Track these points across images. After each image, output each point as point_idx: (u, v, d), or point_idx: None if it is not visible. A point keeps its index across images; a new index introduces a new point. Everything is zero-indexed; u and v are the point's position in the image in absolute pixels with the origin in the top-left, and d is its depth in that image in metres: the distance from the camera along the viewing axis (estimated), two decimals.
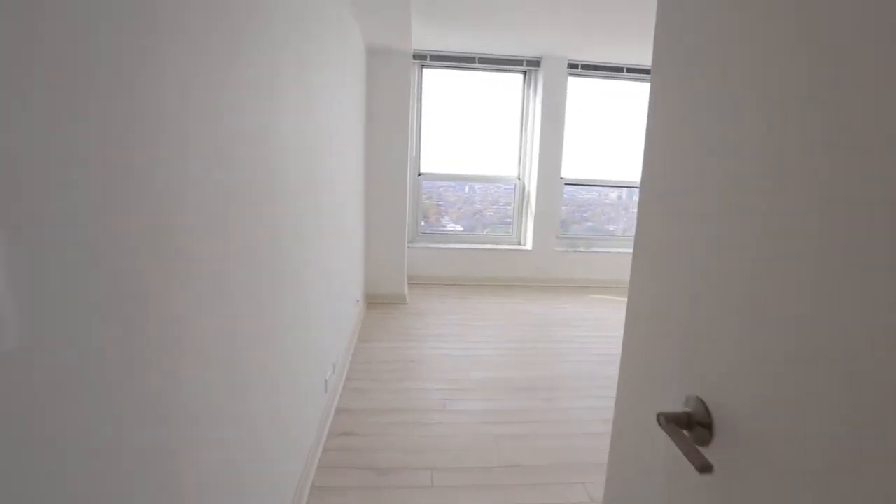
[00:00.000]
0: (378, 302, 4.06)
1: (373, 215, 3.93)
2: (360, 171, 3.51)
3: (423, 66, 4.61)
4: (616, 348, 2.86)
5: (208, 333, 0.96)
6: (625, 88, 4.94)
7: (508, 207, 5.11)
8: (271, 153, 1.36)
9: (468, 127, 4.88)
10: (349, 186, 3.01)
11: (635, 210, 0.92)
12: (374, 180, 3.88)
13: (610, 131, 5.06)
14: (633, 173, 5.14)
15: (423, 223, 5.01)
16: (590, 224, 5.38)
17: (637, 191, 0.92)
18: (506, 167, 5.01)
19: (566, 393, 2.67)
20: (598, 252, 5.00)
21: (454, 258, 4.79)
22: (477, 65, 4.52)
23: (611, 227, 5.39)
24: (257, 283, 1.27)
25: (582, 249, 5.02)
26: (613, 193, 5.39)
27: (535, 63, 4.57)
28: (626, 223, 5.38)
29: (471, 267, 4.83)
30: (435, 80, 4.72)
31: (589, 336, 3.56)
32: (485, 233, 5.15)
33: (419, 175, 4.83)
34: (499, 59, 4.51)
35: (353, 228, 3.23)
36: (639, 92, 4.98)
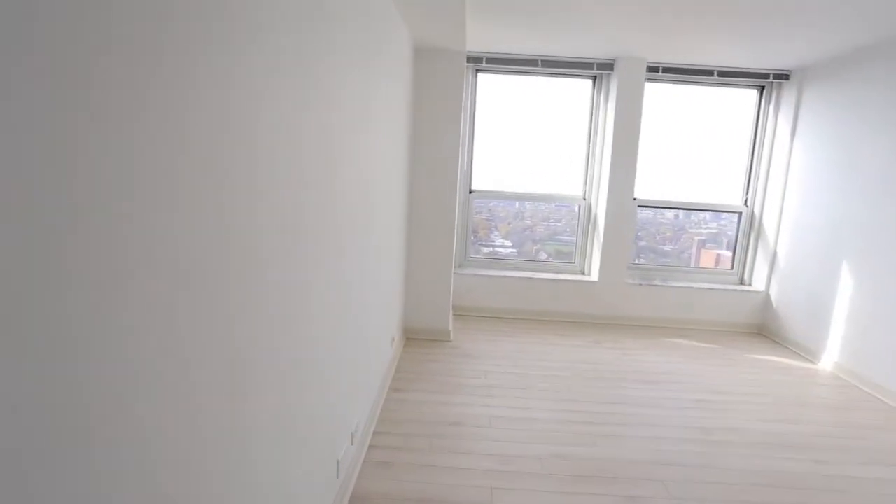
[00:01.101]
0: (418, 337, 3.53)
1: (416, 237, 3.42)
2: (404, 186, 3.02)
3: (477, 70, 4.11)
4: (714, 419, 2.15)
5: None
6: (713, 95, 4.22)
7: (568, 235, 4.47)
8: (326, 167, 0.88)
9: (528, 140, 4.31)
10: (393, 205, 2.52)
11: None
12: (420, 197, 3.38)
13: (693, 145, 4.34)
14: (720, 194, 4.38)
15: (472, 249, 4.46)
16: (665, 251, 4.63)
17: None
18: (570, 186, 4.39)
19: (655, 489, 2.00)
20: (674, 287, 4.26)
21: (507, 287, 4.20)
22: (539, 68, 3.96)
23: (683, 255, 4.61)
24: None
25: (658, 283, 4.29)
26: (694, 217, 4.62)
27: (608, 66, 3.95)
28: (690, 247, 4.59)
29: (526, 298, 4.22)
30: (491, 85, 4.21)
31: (674, 399, 2.86)
32: (543, 259, 4.53)
33: (470, 192, 4.30)
34: (565, 62, 3.93)
35: (395, 253, 2.73)
36: (731, 99, 4.25)
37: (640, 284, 4.26)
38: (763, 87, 4.16)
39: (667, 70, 3.95)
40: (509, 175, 4.35)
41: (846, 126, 3.47)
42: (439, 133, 3.31)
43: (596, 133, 4.20)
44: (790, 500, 2.02)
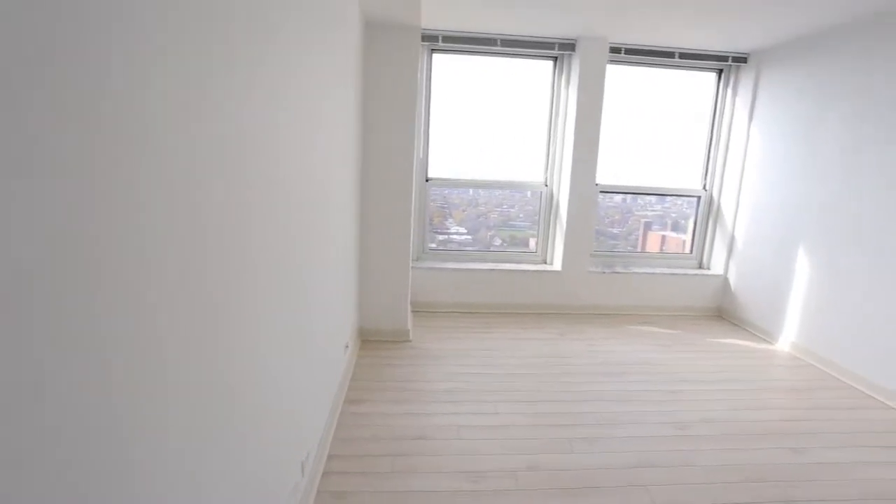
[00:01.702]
0: (375, 339, 3.27)
1: (371, 231, 3.14)
2: (356, 176, 2.73)
3: (432, 49, 3.83)
4: (687, 411, 2.01)
5: None
6: (675, 78, 4.14)
7: (521, 220, 4.31)
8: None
9: (487, 125, 4.09)
10: (342, 199, 2.22)
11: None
12: (373, 187, 3.09)
13: (653, 129, 4.26)
14: (681, 178, 4.34)
15: (429, 240, 4.22)
16: (614, 234, 4.57)
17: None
18: (531, 172, 4.21)
19: (639, 498, 1.86)
20: (636, 273, 4.19)
21: (468, 280, 4.00)
22: (498, 48, 3.73)
23: (631, 237, 4.58)
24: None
25: (620, 270, 4.22)
26: (641, 200, 4.57)
27: (570, 46, 3.77)
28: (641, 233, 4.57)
29: (488, 291, 4.03)
30: (447, 67, 3.94)
31: (646, 391, 2.75)
32: (498, 244, 4.35)
33: (427, 181, 4.04)
34: (525, 41, 3.72)
35: (346, 251, 2.45)
36: (692, 82, 4.19)
37: (603, 272, 4.17)
38: (721, 70, 4.12)
39: (629, 51, 3.82)
40: (468, 162, 4.13)
41: (802, 110, 3.46)
42: (393, 118, 3.02)
43: (557, 117, 4.03)
44: (773, 493, 1.94)
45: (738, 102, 4.06)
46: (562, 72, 3.95)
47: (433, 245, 4.28)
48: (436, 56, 3.88)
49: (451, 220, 4.40)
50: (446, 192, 4.30)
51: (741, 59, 3.94)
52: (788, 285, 3.56)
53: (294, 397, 1.49)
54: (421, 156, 3.94)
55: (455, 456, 2.04)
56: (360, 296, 3.20)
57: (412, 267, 3.82)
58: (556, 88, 4.00)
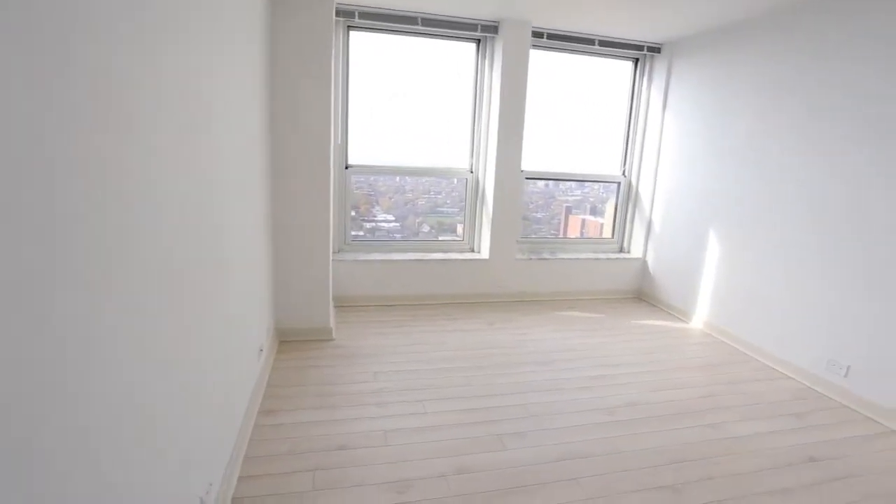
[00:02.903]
0: (294, 339, 3.02)
1: (285, 223, 2.87)
2: (261, 167, 2.45)
3: (349, 26, 3.57)
4: (614, 396, 1.97)
5: None
6: (595, 65, 4.19)
7: (449, 207, 4.22)
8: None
9: (409, 109, 3.90)
10: (247, 190, 1.96)
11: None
12: (286, 177, 2.81)
13: (575, 115, 4.30)
14: (602, 165, 4.43)
15: (354, 228, 3.99)
16: (538, 218, 4.61)
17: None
18: (456, 158, 4.10)
19: (571, 492, 1.82)
20: (562, 259, 4.24)
21: (394, 272, 3.83)
22: (420, 27, 3.55)
23: (553, 222, 4.66)
24: None
25: (546, 257, 4.24)
26: (562, 186, 4.64)
27: (493, 28, 3.67)
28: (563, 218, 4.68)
29: (415, 282, 3.89)
30: (366, 46, 3.70)
31: (574, 379, 2.76)
32: (426, 231, 4.23)
33: (347, 168, 3.80)
34: (447, 21, 3.57)
35: (255, 245, 2.18)
36: (611, 70, 4.26)
37: (530, 259, 4.17)
38: (638, 60, 4.22)
39: (551, 36, 3.79)
40: (390, 148, 3.93)
41: (711, 99, 3.62)
42: (307, 101, 2.76)
43: (481, 102, 3.94)
44: (695, 472, 1.99)
45: (653, 91, 4.19)
46: (485, 55, 3.85)
47: (360, 233, 4.06)
48: (353, 34, 3.62)
49: (378, 207, 4.21)
50: (372, 179, 4.09)
51: (655, 50, 4.06)
52: (700, 267, 3.75)
53: (185, 425, 1.26)
54: (339, 141, 3.68)
55: (381, 465, 1.89)
56: (275, 294, 2.93)
57: (333, 260, 3.59)
58: (479, 72, 3.90)
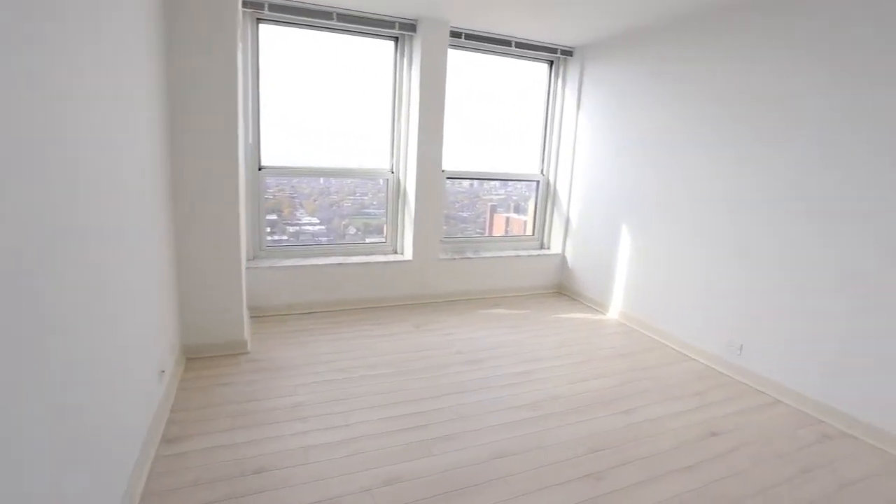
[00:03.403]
0: (204, 356, 2.79)
1: (189, 231, 2.63)
2: (157, 170, 2.22)
3: (258, 18, 3.36)
4: (538, 391, 2.02)
5: None
6: (513, 66, 4.28)
7: (375, 208, 4.13)
8: None
9: (328, 108, 3.75)
10: (137, 197, 1.74)
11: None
12: (188, 180, 2.58)
13: (494, 115, 4.36)
14: (521, 164, 4.54)
15: (276, 230, 3.78)
16: (464, 217, 4.66)
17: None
18: (377, 158, 4.01)
19: (499, 491, 1.82)
20: (485, 257, 4.30)
21: (315, 277, 3.67)
22: (335, 23, 3.42)
23: (479, 220, 4.74)
24: None
25: (470, 256, 4.28)
26: (487, 185, 4.73)
27: (411, 27, 3.62)
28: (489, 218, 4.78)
29: (337, 287, 3.75)
30: (279, 41, 3.50)
31: (500, 376, 2.79)
32: (353, 233, 4.10)
33: (260, 169, 3.58)
34: (364, 18, 3.47)
35: (150, 260, 1.96)
36: (528, 71, 4.37)
37: (454, 259, 4.18)
38: (552, 62, 4.37)
39: (469, 36, 3.81)
40: (310, 149, 3.76)
41: (618, 100, 3.83)
42: (210, 97, 2.54)
43: (401, 101, 3.88)
44: (612, 459, 2.07)
45: (567, 92, 4.36)
46: (403, 54, 3.79)
47: (284, 238, 3.85)
48: (263, 27, 3.41)
49: (302, 210, 4.02)
50: (295, 181, 3.90)
51: (568, 53, 4.22)
52: (614, 261, 3.96)
53: (58, 484, 1.09)
54: (251, 141, 3.46)
55: (302, 485, 1.78)
56: (181, 308, 2.68)
57: (248, 267, 3.37)
58: (398, 71, 3.83)
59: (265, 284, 3.51)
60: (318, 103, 3.71)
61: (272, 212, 3.84)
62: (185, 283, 2.67)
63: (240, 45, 2.73)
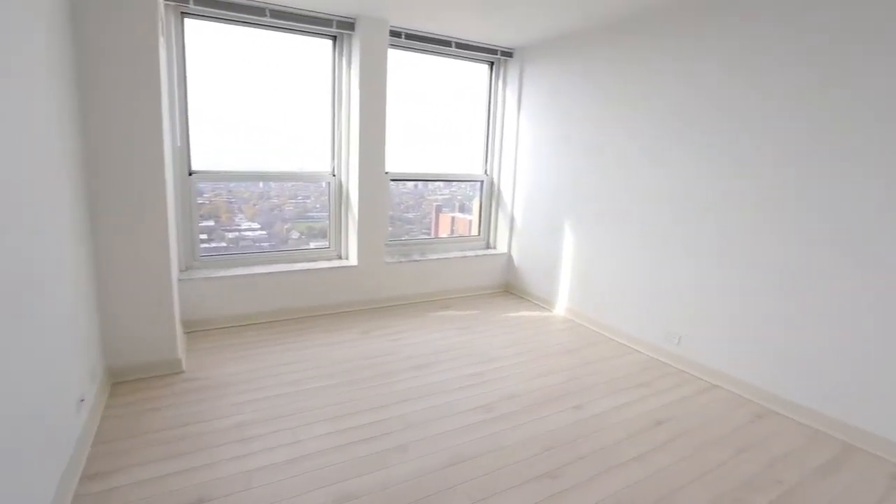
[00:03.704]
0: (131, 379, 2.56)
1: (112, 246, 2.40)
2: (66, 178, 2.01)
3: (183, 13, 3.14)
4: (492, 392, 2.04)
5: None
6: (454, 67, 4.27)
7: (318, 211, 3.99)
8: None
9: (265, 109, 3.57)
10: (31, 209, 1.55)
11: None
12: (105, 189, 2.35)
13: (437, 116, 4.34)
14: (464, 164, 4.55)
15: (205, 241, 3.54)
16: (409, 218, 4.62)
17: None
18: (317, 161, 3.87)
19: (459, 501, 1.78)
20: (432, 259, 4.27)
21: (255, 287, 3.48)
22: (268, 19, 3.26)
23: (425, 220, 4.72)
24: None
25: (417, 258, 4.23)
26: (431, 185, 4.71)
27: (349, 25, 3.52)
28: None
29: (280, 296, 3.59)
30: (206, 37, 3.29)
31: (453, 379, 2.76)
32: (295, 238, 3.94)
33: (191, 174, 3.35)
34: (300, 15, 3.33)
35: (60, 278, 1.75)
36: (470, 72, 4.37)
37: (400, 262, 4.12)
38: (493, 63, 4.40)
39: (409, 36, 3.76)
40: (245, 151, 3.56)
41: (557, 101, 3.92)
42: (129, 98, 2.33)
43: (341, 102, 3.76)
44: (566, 455, 2.09)
45: (508, 93, 4.41)
46: (342, 53, 3.68)
47: (223, 244, 3.63)
48: (189, 22, 3.19)
49: (241, 215, 3.80)
50: (232, 185, 3.68)
51: (508, 54, 4.27)
52: (558, 258, 4.05)
53: None
54: (179, 144, 3.23)
55: None
56: (104, 328, 2.45)
57: (180, 279, 3.15)
58: (337, 70, 3.72)
59: (201, 297, 3.29)
60: (254, 104, 3.52)
61: (208, 217, 3.61)
62: (108, 300, 2.44)
63: (162, 41, 2.54)
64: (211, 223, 3.66)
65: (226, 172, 3.51)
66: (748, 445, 2.25)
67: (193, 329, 3.27)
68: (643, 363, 3.13)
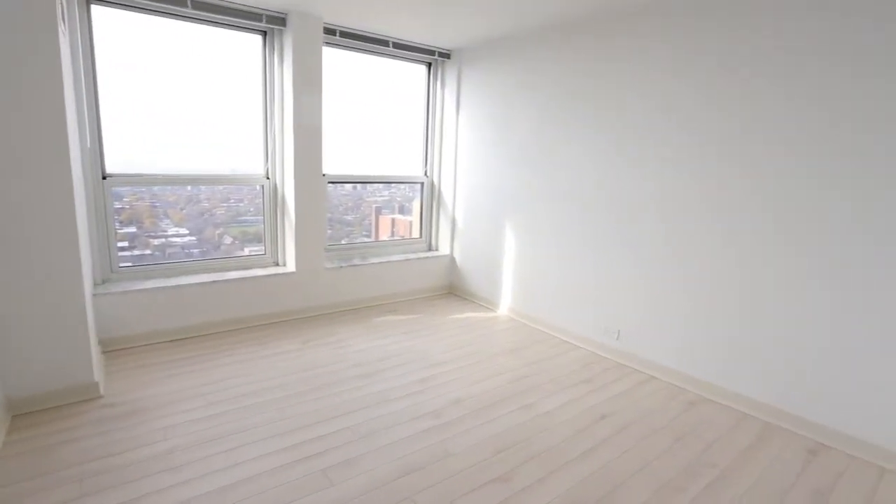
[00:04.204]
0: (38, 409, 2.28)
1: (6, 261, 2.12)
2: None
3: (88, 0, 2.85)
4: (440, 397, 2.02)
5: None
6: (393, 67, 4.19)
7: (252, 215, 3.78)
8: None
9: (189, 107, 3.32)
10: None
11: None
12: (4, 197, 2.07)
13: (375, 117, 4.25)
14: (404, 166, 4.49)
15: (127, 248, 3.24)
16: (349, 220, 4.51)
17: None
18: (250, 163, 3.66)
19: None
20: (374, 263, 4.17)
21: (183, 299, 3.23)
22: (190, 10, 3.03)
23: (364, 223, 4.63)
24: None
25: (358, 262, 4.11)
26: (370, 187, 4.62)
27: (280, 20, 3.35)
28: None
29: (213, 307, 3.35)
30: (121, 28, 3.00)
31: (400, 387, 2.69)
32: (229, 242, 3.70)
33: (105, 178, 3.05)
34: (225, 7, 3.12)
35: None
36: (409, 72, 4.32)
37: (341, 267, 3.99)
38: (431, 64, 4.37)
39: (344, 34, 3.64)
40: (169, 153, 3.29)
41: (495, 104, 3.95)
42: (24, 94, 2.07)
43: (273, 101, 3.58)
44: (519, 456, 2.09)
45: (447, 95, 4.40)
46: (273, 49, 3.50)
47: (147, 251, 3.33)
48: (97, 9, 2.90)
49: (167, 220, 3.51)
50: (156, 189, 3.38)
51: (446, 55, 4.25)
52: (500, 259, 4.08)
53: None
54: (89, 146, 2.93)
55: None
56: (2, 355, 2.16)
57: (95, 294, 2.86)
58: (269, 68, 3.53)
59: (121, 312, 3.00)
60: (179, 103, 3.26)
61: (130, 223, 3.31)
62: (6, 323, 2.15)
63: (63, 29, 2.28)
64: (133, 230, 3.35)
65: (148, 176, 3.23)
66: (684, 433, 2.37)
67: (113, 348, 2.98)
68: (586, 359, 3.22)
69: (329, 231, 4.15)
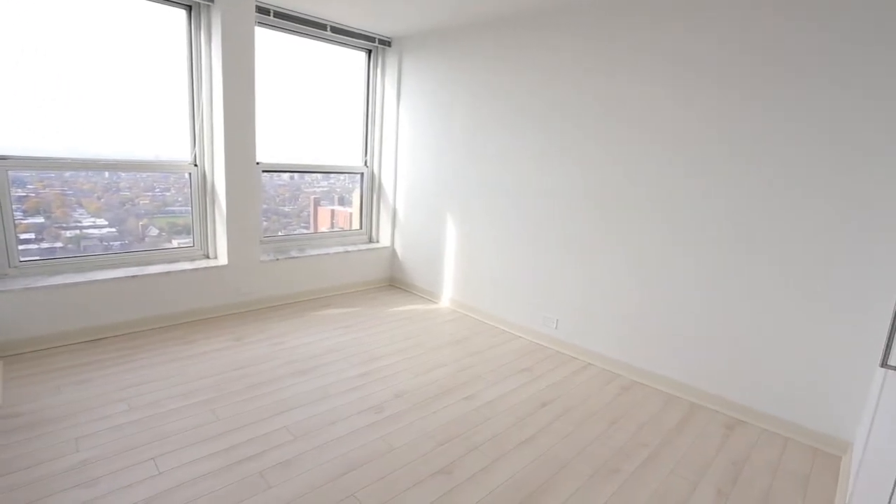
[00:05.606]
0: None
1: None
2: None
3: None
4: (381, 392, 1.98)
5: None
6: (331, 53, 4.04)
7: (181, 205, 3.53)
8: None
9: (103, 85, 3.00)
10: None
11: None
12: None
13: (312, 104, 4.08)
14: (343, 155, 4.37)
15: (34, 240, 2.90)
16: (286, 212, 4.33)
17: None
18: (175, 149, 3.39)
19: None
20: (311, 255, 4.03)
21: (97, 296, 2.95)
22: None
23: (303, 214, 4.49)
24: None
25: (295, 255, 3.95)
26: (308, 178, 4.47)
27: None
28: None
29: (132, 304, 3.09)
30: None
31: (339, 382, 2.62)
32: (155, 234, 3.42)
33: (2, 160, 2.71)
34: None
35: None
36: (348, 59, 4.18)
37: (277, 259, 3.82)
38: (371, 51, 4.26)
39: (279, 15, 3.45)
40: (80, 135, 2.97)
41: (436, 94, 3.92)
42: None
43: (200, 84, 3.33)
44: (461, 447, 2.10)
45: (387, 84, 4.31)
46: (199, 27, 3.26)
47: (58, 244, 2.99)
48: None
49: (82, 210, 3.16)
50: (68, 175, 3.04)
51: (386, 43, 4.16)
52: (441, 250, 4.08)
53: None
54: None
55: None
56: None
57: None
58: (195, 47, 3.28)
59: (22, 312, 2.69)
60: (92, 81, 2.95)
61: (35, 213, 2.96)
62: None
63: None
64: (40, 220, 3.01)
65: (54, 160, 2.90)
66: (618, 416, 2.48)
67: (12, 352, 2.67)
68: (525, 348, 3.29)
69: (265, 222, 3.95)
